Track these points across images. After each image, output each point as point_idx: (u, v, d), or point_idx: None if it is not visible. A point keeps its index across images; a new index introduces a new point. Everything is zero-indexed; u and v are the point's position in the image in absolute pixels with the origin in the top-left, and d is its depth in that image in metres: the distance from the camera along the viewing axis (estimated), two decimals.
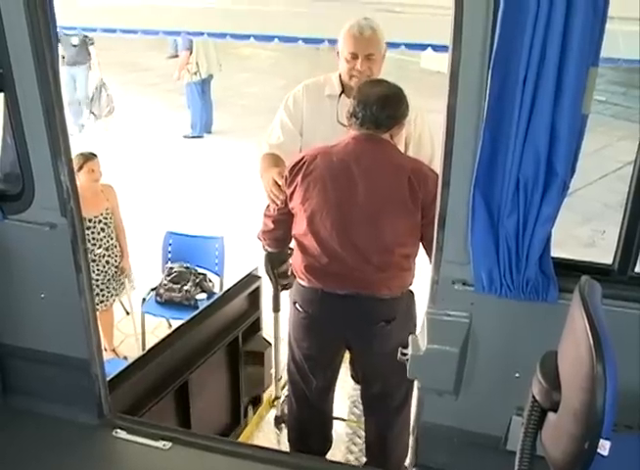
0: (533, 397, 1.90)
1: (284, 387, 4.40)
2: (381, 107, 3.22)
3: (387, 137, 3.30)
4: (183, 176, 9.53)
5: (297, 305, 3.54)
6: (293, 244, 3.55)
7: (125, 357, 5.72)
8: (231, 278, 5.24)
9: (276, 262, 3.99)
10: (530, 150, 2.28)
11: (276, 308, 4.34)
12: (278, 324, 4.45)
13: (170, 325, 5.97)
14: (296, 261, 3.49)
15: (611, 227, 7.96)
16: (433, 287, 2.65)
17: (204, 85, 10.93)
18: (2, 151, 3.09)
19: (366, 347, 3.55)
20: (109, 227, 5.55)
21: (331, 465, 3.18)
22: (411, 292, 3.51)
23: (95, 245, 5.47)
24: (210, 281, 6.08)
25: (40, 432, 3.26)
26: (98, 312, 5.46)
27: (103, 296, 5.66)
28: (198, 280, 5.97)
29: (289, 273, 3.77)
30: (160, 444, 3.22)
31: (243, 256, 6.56)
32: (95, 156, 5.40)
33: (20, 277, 3.20)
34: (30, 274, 3.17)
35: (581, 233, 8.03)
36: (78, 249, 3.04)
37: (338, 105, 3.70)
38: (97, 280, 5.54)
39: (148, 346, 5.31)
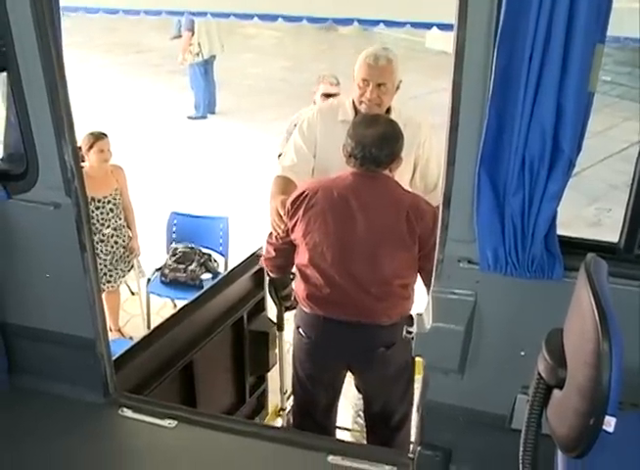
0: (539, 374, 1.89)
1: (289, 398, 4.44)
2: (379, 147, 3.26)
3: (386, 173, 3.35)
4: (187, 157, 9.51)
5: (300, 330, 3.63)
6: (295, 270, 3.62)
7: (131, 337, 5.74)
8: (235, 258, 5.25)
9: (279, 287, 4.06)
10: (536, 127, 2.26)
11: (280, 328, 4.38)
12: (282, 342, 4.48)
13: (175, 305, 5.99)
14: (298, 289, 3.57)
15: (616, 207, 7.98)
16: (438, 265, 2.64)
17: (206, 66, 10.88)
18: (6, 130, 3.09)
19: (366, 370, 3.64)
20: (117, 208, 5.56)
21: (336, 443, 3.19)
22: (410, 316, 3.54)
23: (103, 225, 5.48)
24: (215, 261, 6.10)
25: (46, 411, 3.28)
26: (105, 293, 5.51)
27: (110, 276, 5.67)
28: (202, 260, 5.99)
29: (292, 297, 3.83)
30: (165, 422, 3.23)
31: (247, 236, 6.57)
32: (105, 135, 5.41)
33: (24, 257, 3.20)
34: (35, 254, 3.17)
35: (587, 213, 8.01)
36: (83, 228, 3.04)
37: None
38: (105, 260, 5.56)
39: (153, 326, 5.32)
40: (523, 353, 2.67)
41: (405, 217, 3.28)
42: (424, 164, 3.88)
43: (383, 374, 3.54)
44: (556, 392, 1.87)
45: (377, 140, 3.26)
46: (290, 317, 4.01)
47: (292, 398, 4.16)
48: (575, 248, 2.52)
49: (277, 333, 4.43)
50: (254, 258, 4.60)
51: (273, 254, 3.64)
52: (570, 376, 1.79)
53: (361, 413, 4.43)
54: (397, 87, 3.81)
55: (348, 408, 4.74)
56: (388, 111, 3.83)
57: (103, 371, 3.31)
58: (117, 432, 3.34)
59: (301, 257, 3.44)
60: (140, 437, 3.32)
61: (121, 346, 4.04)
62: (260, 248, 4.65)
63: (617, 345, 1.60)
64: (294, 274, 3.65)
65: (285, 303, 4.08)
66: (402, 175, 3.58)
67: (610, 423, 1.67)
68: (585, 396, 1.68)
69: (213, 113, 11.36)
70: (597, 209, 8.18)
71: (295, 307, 3.72)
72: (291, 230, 3.44)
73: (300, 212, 3.37)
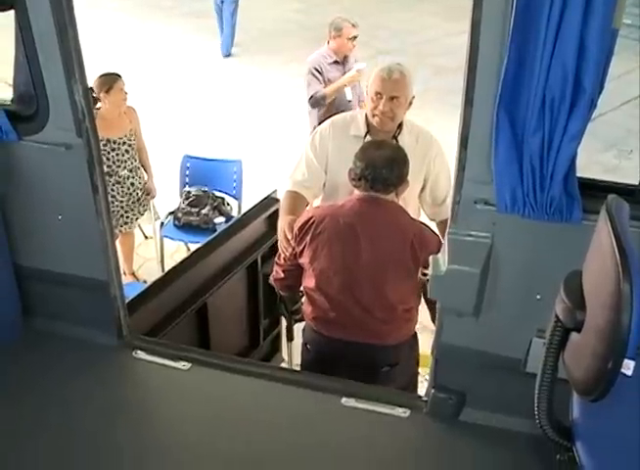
0: (557, 316, 1.87)
1: None
2: (390, 168, 3.30)
3: (392, 197, 3.39)
4: (202, 100, 9.43)
5: (307, 347, 3.69)
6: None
7: (145, 281, 5.77)
8: (249, 201, 5.23)
9: (289, 303, 4.06)
10: (558, 65, 2.19)
11: (290, 338, 4.39)
12: (291, 352, 4.49)
13: (189, 249, 6.00)
14: (306, 310, 3.62)
15: (634, 152, 7.88)
16: (454, 207, 2.60)
17: (235, 4, 10.86)
18: (15, 71, 3.03)
19: None
20: (132, 149, 5.55)
21: (350, 385, 3.19)
22: (415, 335, 3.65)
23: (120, 167, 5.48)
24: (228, 205, 6.09)
25: (60, 353, 3.29)
26: (121, 235, 5.53)
27: (127, 218, 5.69)
28: (216, 204, 5.98)
29: (301, 311, 3.83)
30: (179, 364, 3.25)
31: (261, 179, 6.56)
32: (120, 76, 5.38)
33: (36, 199, 3.18)
34: (47, 196, 3.15)
35: (604, 159, 7.92)
36: (95, 169, 3.01)
37: None
38: (121, 202, 5.57)
39: (167, 270, 5.35)
40: (538, 297, 2.65)
41: (410, 246, 3.33)
42: (434, 178, 3.94)
43: None
44: (573, 335, 1.85)
45: (387, 162, 3.31)
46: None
47: None
48: (595, 190, 2.47)
49: (287, 343, 4.47)
50: (268, 200, 4.59)
51: (282, 275, 3.70)
52: (588, 318, 1.77)
53: None
54: (410, 103, 3.89)
55: None
56: (401, 125, 3.90)
57: (116, 313, 3.31)
58: (131, 374, 3.36)
59: (309, 281, 3.50)
60: (154, 379, 3.33)
61: (135, 289, 4.06)
62: (274, 191, 4.64)
63: (638, 285, 1.56)
64: (302, 292, 3.69)
65: (294, 316, 4.12)
66: (412, 188, 3.61)
67: (628, 366, 1.65)
68: (604, 338, 1.66)
69: (229, 55, 11.24)
70: (619, 150, 8.09)
71: (304, 320, 3.77)
72: (299, 255, 3.50)
73: (308, 239, 3.43)
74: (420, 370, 3.85)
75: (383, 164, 3.29)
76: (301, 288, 3.63)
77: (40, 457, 2.81)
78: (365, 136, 3.86)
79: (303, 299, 3.67)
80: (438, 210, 3.97)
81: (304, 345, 3.70)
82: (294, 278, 3.63)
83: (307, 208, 3.93)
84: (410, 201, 3.80)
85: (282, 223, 3.68)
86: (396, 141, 3.84)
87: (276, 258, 3.74)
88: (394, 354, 3.51)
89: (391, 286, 3.38)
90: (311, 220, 3.42)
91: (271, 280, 3.83)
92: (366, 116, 3.88)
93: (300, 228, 3.45)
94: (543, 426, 2.06)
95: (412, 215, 3.70)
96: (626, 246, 1.62)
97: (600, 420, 1.92)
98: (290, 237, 3.52)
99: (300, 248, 3.46)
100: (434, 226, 3.88)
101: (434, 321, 3.23)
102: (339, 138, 3.90)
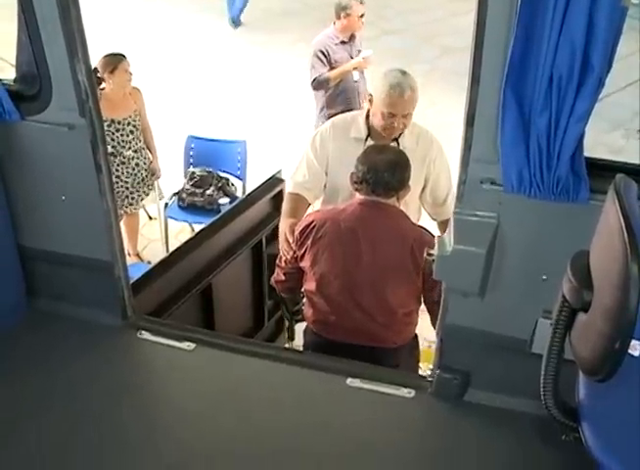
0: (563, 296, 1.86)
1: None
2: (392, 172, 3.31)
3: (393, 202, 3.39)
4: (206, 80, 9.37)
5: (308, 349, 3.70)
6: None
7: (149, 262, 5.77)
8: (253, 182, 5.21)
9: (290, 304, 4.06)
10: (566, 42, 2.16)
11: (291, 337, 4.36)
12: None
13: (193, 230, 6.00)
14: (307, 312, 3.64)
15: None
16: (459, 187, 2.58)
17: None
18: (17, 50, 3.01)
19: None
20: (137, 129, 5.54)
21: (355, 366, 3.20)
22: (415, 337, 3.68)
23: (124, 147, 5.47)
24: (233, 185, 6.07)
25: (65, 334, 3.30)
26: (125, 216, 5.52)
27: (132, 199, 5.68)
28: (220, 184, 5.97)
29: (302, 312, 3.84)
30: (184, 344, 3.25)
31: (265, 159, 6.53)
32: (125, 56, 5.36)
33: (40, 180, 3.17)
34: (51, 176, 3.14)
35: (610, 140, 7.87)
36: (98, 149, 2.99)
37: (363, 148, 3.68)
38: (126, 183, 5.57)
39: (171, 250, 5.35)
40: (544, 278, 2.63)
41: (410, 251, 3.33)
42: (434, 178, 3.95)
43: None
44: (580, 315, 1.84)
45: (389, 165, 3.31)
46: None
47: None
48: (602, 170, 2.45)
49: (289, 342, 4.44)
50: (273, 181, 4.57)
51: (283, 277, 3.72)
52: (595, 298, 1.76)
53: None
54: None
55: None
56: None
57: (121, 294, 3.31)
58: (136, 355, 3.36)
59: (309, 284, 3.51)
60: (158, 359, 3.34)
61: (140, 270, 4.06)
62: (279, 171, 4.63)
63: None
64: (303, 293, 3.70)
65: (295, 317, 4.12)
66: (413, 189, 3.60)
67: (635, 347, 1.64)
68: (611, 318, 1.64)
69: (239, 25, 11.15)
70: (626, 129, 8.03)
71: (304, 320, 3.77)
72: (300, 258, 3.51)
73: (309, 243, 3.44)
74: (421, 365, 3.90)
75: (384, 168, 3.29)
76: (302, 289, 3.64)
77: (45, 437, 2.82)
78: (366, 139, 3.85)
79: (304, 300, 3.69)
80: (440, 210, 3.98)
81: (305, 347, 3.73)
82: (294, 280, 3.65)
83: (309, 208, 3.96)
84: (411, 201, 3.79)
85: (283, 226, 3.70)
86: (397, 144, 3.84)
87: (277, 261, 3.75)
88: (394, 357, 3.52)
89: (392, 290, 3.40)
90: (312, 224, 3.44)
91: (272, 282, 3.84)
92: (366, 117, 3.87)
93: (302, 232, 3.46)
94: (549, 406, 2.06)
95: (413, 215, 3.75)
96: (634, 225, 1.60)
97: (606, 401, 1.92)
98: (291, 240, 3.53)
99: (302, 251, 3.48)
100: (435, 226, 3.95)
101: (434, 325, 3.27)
102: (339, 140, 3.90)
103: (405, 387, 3.07)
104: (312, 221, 3.45)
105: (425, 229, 3.49)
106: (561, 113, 2.28)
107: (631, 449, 1.84)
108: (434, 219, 4.07)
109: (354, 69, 6.12)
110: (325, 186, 3.96)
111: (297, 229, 3.49)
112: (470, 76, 2.40)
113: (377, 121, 3.80)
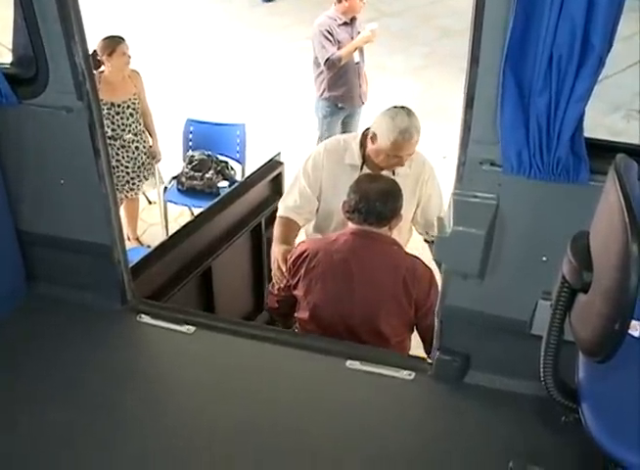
0: (563, 277, 1.85)
1: None
2: (383, 202, 3.31)
3: (385, 231, 3.39)
4: (201, 64, 9.34)
5: None
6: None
7: (148, 246, 5.76)
8: (253, 165, 5.20)
9: (284, 325, 4.00)
10: (566, 21, 2.14)
11: None
12: None
13: (193, 213, 6.00)
14: None
15: None
16: (459, 168, 2.57)
17: None
18: (14, 33, 2.98)
19: None
20: (137, 112, 5.54)
21: (355, 348, 3.20)
22: (409, 356, 3.60)
23: (124, 130, 5.47)
24: (232, 169, 6.07)
25: (64, 318, 3.30)
26: (125, 201, 5.52)
27: (133, 184, 5.68)
28: (219, 168, 5.96)
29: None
30: (184, 328, 3.25)
31: (264, 142, 6.52)
32: (123, 39, 5.34)
33: (37, 163, 3.15)
34: (48, 160, 3.12)
35: (610, 122, 7.84)
36: (96, 133, 2.98)
37: (358, 176, 3.66)
38: (127, 167, 5.56)
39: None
40: (544, 259, 2.63)
41: (402, 282, 3.32)
42: (426, 200, 3.93)
43: None
44: (580, 295, 1.83)
45: (381, 195, 3.31)
46: None
47: None
48: (602, 151, 2.44)
49: None
50: (272, 164, 4.56)
51: (276, 305, 3.72)
52: (595, 279, 1.75)
53: None
54: None
55: None
56: None
57: (120, 278, 3.30)
58: (136, 338, 3.36)
59: (303, 313, 3.50)
60: (158, 342, 3.34)
61: (139, 254, 4.05)
62: (278, 154, 4.61)
63: None
64: (296, 319, 3.68)
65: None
66: (406, 214, 3.60)
67: (636, 328, 1.64)
68: (611, 299, 1.63)
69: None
70: (628, 110, 8.01)
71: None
72: (293, 287, 3.50)
73: (302, 272, 3.43)
74: None
75: (376, 198, 3.29)
76: (295, 316, 3.62)
77: (45, 421, 2.82)
78: (362, 167, 3.80)
79: (296, 325, 3.67)
80: (431, 231, 3.88)
81: None
82: (287, 307, 3.64)
83: (300, 228, 3.94)
84: (403, 223, 3.72)
85: (275, 254, 3.69)
86: (393, 172, 3.78)
87: (270, 287, 3.74)
88: None
89: (385, 320, 3.38)
90: (305, 254, 3.42)
91: (266, 307, 3.85)
92: (360, 144, 3.80)
93: (294, 262, 3.46)
94: (549, 387, 2.05)
95: (405, 236, 3.79)
96: (635, 206, 1.59)
97: (606, 382, 1.91)
98: (284, 269, 3.53)
99: (295, 281, 3.48)
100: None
101: (427, 353, 3.27)
102: (333, 164, 3.84)
103: (405, 369, 3.07)
104: (305, 251, 3.44)
105: (418, 259, 3.46)
106: (561, 93, 2.26)
107: (631, 430, 1.84)
108: (427, 241, 4.05)
109: (364, 43, 6.13)
110: (317, 211, 3.91)
111: (290, 259, 3.49)
112: (469, 57, 2.38)
113: (380, 160, 3.73)
